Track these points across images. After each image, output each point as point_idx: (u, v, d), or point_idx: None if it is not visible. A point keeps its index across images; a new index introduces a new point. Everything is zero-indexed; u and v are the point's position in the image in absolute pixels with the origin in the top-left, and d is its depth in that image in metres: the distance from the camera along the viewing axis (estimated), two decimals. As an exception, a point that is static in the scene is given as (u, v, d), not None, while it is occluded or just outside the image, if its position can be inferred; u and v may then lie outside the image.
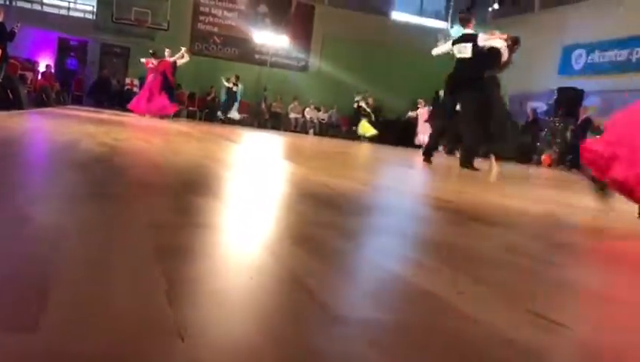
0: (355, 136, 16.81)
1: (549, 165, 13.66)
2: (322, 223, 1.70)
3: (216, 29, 19.26)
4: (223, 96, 17.61)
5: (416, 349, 0.75)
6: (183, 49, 13.26)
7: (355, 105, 16.88)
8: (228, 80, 16.56)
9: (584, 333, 0.93)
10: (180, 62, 13.21)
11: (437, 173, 5.75)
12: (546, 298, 1.13)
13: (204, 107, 18.70)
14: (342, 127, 19.01)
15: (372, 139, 15.92)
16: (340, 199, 2.46)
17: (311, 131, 18.30)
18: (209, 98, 18.63)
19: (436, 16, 20.76)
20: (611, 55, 15.24)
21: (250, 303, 0.87)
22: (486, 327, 0.87)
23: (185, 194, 1.99)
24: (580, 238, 2.26)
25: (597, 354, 0.84)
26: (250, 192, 2.40)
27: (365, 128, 16.47)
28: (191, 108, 18.62)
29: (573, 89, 14.26)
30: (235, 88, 16.58)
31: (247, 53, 19.36)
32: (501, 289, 1.15)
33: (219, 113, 17.11)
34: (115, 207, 1.55)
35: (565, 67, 15.99)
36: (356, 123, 16.92)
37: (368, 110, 16.60)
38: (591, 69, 15.13)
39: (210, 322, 0.76)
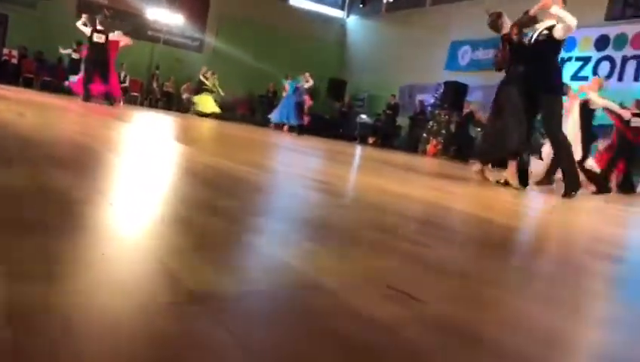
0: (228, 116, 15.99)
1: (434, 155, 14.34)
2: (199, 204, 1.65)
3: (106, 1, 18.20)
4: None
5: (266, 324, 0.74)
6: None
7: (199, 79, 15.90)
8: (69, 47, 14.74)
9: (440, 308, 0.96)
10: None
11: (331, 160, 5.83)
12: (409, 275, 1.16)
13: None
14: (237, 111, 18.75)
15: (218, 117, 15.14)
16: (224, 180, 2.41)
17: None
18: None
19: (334, 5, 20.99)
20: (493, 52, 16.25)
21: (99, 281, 0.82)
22: (343, 302, 0.88)
23: (48, 168, 1.84)
24: (453, 222, 2.38)
25: (451, 328, 0.87)
26: (128, 171, 2.29)
27: (204, 104, 15.44)
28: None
29: (458, 83, 15.03)
30: (74, 55, 14.72)
31: (139, 29, 18.49)
32: (365, 267, 1.18)
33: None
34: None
35: (452, 62, 16.79)
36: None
37: (209, 85, 15.79)
38: (475, 65, 16.01)
39: (54, 300, 0.70)
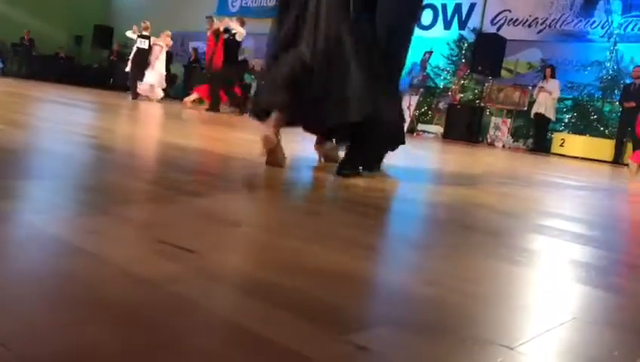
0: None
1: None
2: None
3: None
4: None
5: (26, 303, 0.67)
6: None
7: None
8: None
9: (210, 258, 0.97)
10: None
11: (102, 112, 5.42)
12: (178, 227, 1.15)
13: None
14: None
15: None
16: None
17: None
18: None
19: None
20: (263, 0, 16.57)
21: None
22: (110, 263, 0.84)
23: None
24: (207, 166, 2.41)
25: (225, 279, 0.89)
26: None
27: None
28: None
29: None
30: None
31: None
32: (134, 223, 1.13)
33: None
34: None
35: (222, 8, 16.64)
36: None
37: None
38: (244, 12, 16.08)
39: None
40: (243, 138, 4.35)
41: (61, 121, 3.90)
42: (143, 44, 11.41)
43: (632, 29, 10.98)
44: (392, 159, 3.00)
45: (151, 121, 5.06)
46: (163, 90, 11.65)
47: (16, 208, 1.15)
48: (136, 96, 11.06)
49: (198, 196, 1.54)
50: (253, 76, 13.49)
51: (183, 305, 0.72)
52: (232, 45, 10.73)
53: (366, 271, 1.02)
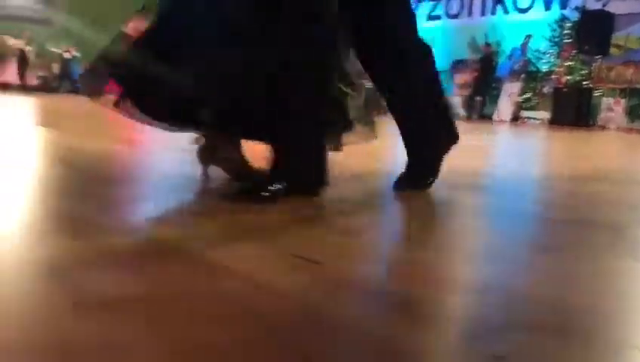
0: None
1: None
2: (67, 193, 1.55)
3: None
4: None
5: (187, 320, 0.73)
6: None
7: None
8: None
9: (337, 268, 1.00)
10: None
11: None
12: (304, 239, 1.19)
13: None
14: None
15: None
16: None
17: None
18: None
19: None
20: None
21: (-15, 303, 0.76)
22: (249, 278, 0.89)
23: None
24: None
25: (355, 289, 0.91)
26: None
27: None
28: None
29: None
30: None
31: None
32: (263, 236, 1.19)
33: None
34: None
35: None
36: None
37: None
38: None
39: None
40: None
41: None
42: None
43: None
44: (492, 152, 2.91)
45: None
46: None
47: (171, 234, 1.25)
48: None
49: (311, 208, 1.59)
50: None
51: (318, 317, 0.76)
52: None
53: (492, 277, 1.01)
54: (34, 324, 0.69)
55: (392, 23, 1.79)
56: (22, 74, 14.40)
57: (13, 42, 14.76)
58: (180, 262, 0.98)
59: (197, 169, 1.89)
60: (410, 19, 1.87)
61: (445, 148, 1.93)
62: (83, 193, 1.53)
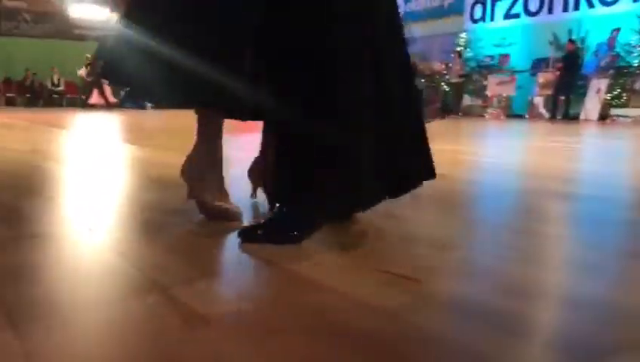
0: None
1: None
2: (170, 211, 1.64)
3: (25, 4, 17.42)
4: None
5: (283, 333, 0.76)
6: None
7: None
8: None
9: (436, 285, 1.00)
10: None
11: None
12: (391, 253, 1.20)
13: (25, 92, 17.17)
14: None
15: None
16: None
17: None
18: (27, 82, 17.10)
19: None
20: (426, 2, 16.54)
21: (103, 315, 0.82)
22: (342, 293, 0.91)
23: (13, 198, 1.80)
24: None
25: (451, 306, 0.91)
26: (88, 187, 2.24)
27: None
28: (9, 95, 16.95)
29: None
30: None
31: (63, 30, 17.80)
32: (349, 252, 1.20)
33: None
34: None
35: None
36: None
37: None
38: (409, 17, 16.10)
39: (62, 345, 0.70)
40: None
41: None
42: None
43: None
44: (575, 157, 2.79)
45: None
46: None
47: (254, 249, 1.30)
48: None
49: (391, 217, 1.59)
50: (423, 80, 13.47)
51: (422, 335, 0.76)
52: None
53: (591, 290, 0.98)
54: (142, 342, 0.74)
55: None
56: (102, 92, 15.21)
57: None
58: (272, 277, 1.01)
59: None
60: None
61: None
62: (176, 210, 1.61)
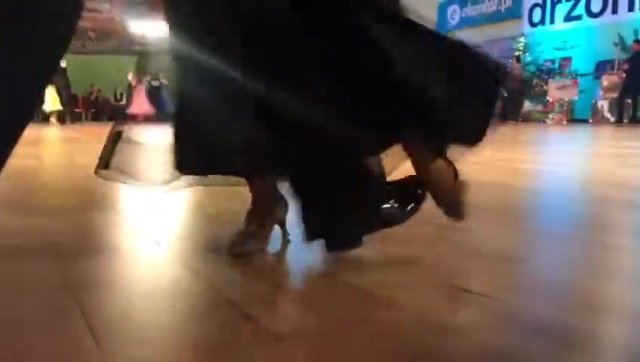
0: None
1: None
2: (235, 223, 1.66)
3: (89, 24, 18.27)
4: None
5: (353, 353, 0.77)
6: None
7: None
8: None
9: (507, 301, 0.98)
10: None
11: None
12: (458, 267, 1.18)
13: (90, 108, 18.06)
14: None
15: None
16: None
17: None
18: (92, 98, 17.98)
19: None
20: (482, 7, 16.24)
21: (181, 331, 0.85)
22: (415, 312, 0.90)
23: (80, 212, 1.88)
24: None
25: (522, 323, 0.89)
26: (153, 199, 2.32)
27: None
28: (76, 110, 17.78)
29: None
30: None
31: (125, 45, 18.54)
32: (420, 265, 1.19)
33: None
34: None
35: (442, 24, 16.66)
36: None
37: None
38: (465, 23, 15.90)
39: (144, 360, 0.73)
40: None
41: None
42: None
43: None
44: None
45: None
46: None
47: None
48: None
49: (454, 228, 1.56)
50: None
51: (494, 353, 0.75)
52: None
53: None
54: (212, 355, 0.76)
55: None
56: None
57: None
58: (342, 294, 1.02)
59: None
60: None
61: None
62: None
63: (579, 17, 14.41)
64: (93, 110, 18.02)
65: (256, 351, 0.77)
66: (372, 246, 1.27)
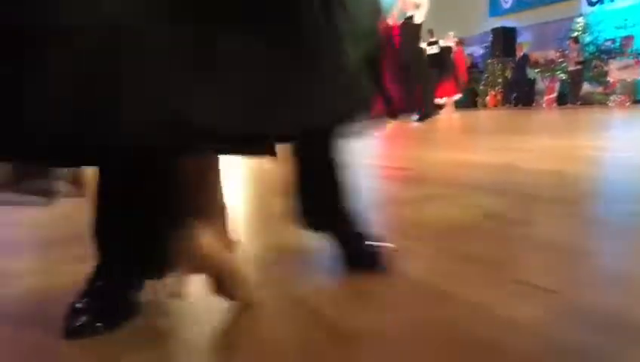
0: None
1: (495, 105, 14.02)
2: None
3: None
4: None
5: (421, 352, 0.80)
6: None
7: None
8: None
9: (573, 296, 0.99)
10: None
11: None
12: (524, 262, 1.19)
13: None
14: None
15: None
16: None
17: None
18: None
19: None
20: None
21: (257, 331, 0.90)
22: (473, 305, 0.93)
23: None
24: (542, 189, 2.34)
25: (589, 318, 0.90)
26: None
27: None
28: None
29: (506, 28, 14.64)
30: None
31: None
32: (482, 261, 1.21)
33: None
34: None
35: (495, 8, 16.25)
36: None
37: None
38: (519, 6, 15.43)
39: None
40: (549, 145, 4.17)
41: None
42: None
43: None
44: None
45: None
46: None
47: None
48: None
49: (514, 222, 1.56)
50: (536, 70, 12.88)
51: (561, 349, 0.77)
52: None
53: None
54: (288, 353, 0.81)
55: None
56: None
57: None
58: (408, 291, 1.05)
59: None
60: None
61: None
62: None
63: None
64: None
65: (328, 348, 0.81)
66: (433, 244, 1.29)
